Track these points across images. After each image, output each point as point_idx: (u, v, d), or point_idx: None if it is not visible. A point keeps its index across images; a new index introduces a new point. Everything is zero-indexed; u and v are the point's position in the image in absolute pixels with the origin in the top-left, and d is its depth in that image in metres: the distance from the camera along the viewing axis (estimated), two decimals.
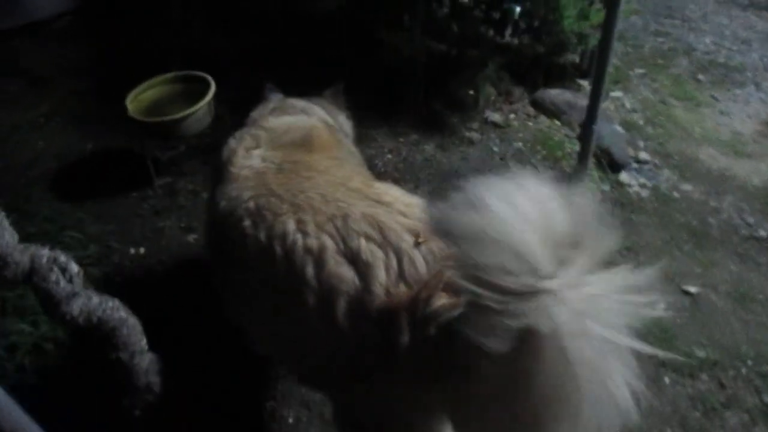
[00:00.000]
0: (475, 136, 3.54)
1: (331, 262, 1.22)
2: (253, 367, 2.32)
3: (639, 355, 0.98)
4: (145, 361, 1.32)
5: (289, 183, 1.43)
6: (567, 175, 3.21)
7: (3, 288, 2.10)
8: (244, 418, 2.12)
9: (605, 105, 3.76)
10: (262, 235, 1.32)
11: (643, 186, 3.19)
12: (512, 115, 3.72)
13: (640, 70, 4.44)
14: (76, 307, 1.17)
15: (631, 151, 3.45)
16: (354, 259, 1.22)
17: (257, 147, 1.67)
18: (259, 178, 1.49)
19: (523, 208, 0.93)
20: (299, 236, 1.27)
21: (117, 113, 3.08)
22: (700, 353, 2.33)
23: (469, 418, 1.14)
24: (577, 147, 3.36)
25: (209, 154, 3.46)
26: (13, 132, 3.74)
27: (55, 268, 1.17)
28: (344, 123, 2.35)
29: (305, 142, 1.70)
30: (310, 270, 1.23)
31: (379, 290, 1.17)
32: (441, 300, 1.10)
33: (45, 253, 1.17)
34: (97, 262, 2.80)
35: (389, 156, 3.39)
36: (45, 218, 2.86)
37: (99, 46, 4.44)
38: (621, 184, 3.18)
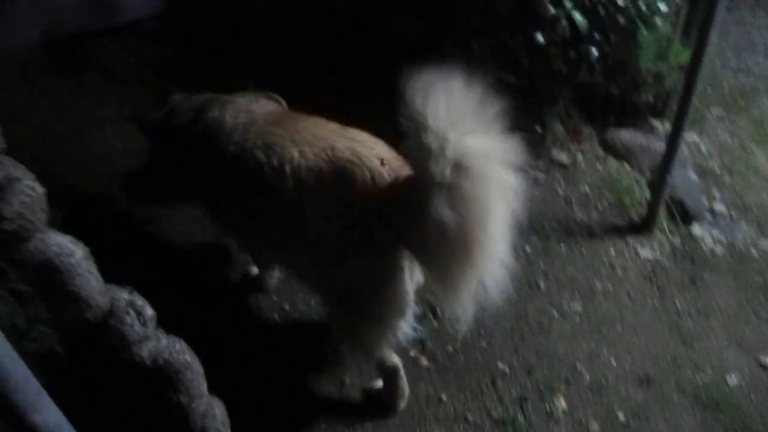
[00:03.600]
0: (539, 175, 3.46)
1: (326, 177, 1.76)
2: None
3: None
4: (202, 405, 1.33)
5: (283, 126, 1.93)
6: (635, 225, 3.09)
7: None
8: None
9: None
10: (275, 161, 1.83)
11: (717, 241, 3.04)
12: (580, 156, 3.62)
13: (718, 111, 4.21)
14: (146, 350, 1.20)
15: (705, 202, 3.29)
16: (341, 174, 1.75)
17: (240, 113, 2.07)
18: (257, 125, 1.96)
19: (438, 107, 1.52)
20: (303, 161, 1.80)
21: None
22: None
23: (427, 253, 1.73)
24: (647, 194, 3.25)
25: None
26: (93, 126, 3.85)
27: (132, 311, 1.20)
28: None
29: (279, 108, 2.21)
30: (311, 182, 1.78)
31: (357, 191, 1.73)
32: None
33: (124, 296, 1.21)
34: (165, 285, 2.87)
35: None
36: (113, 225, 2.93)
37: (181, 50, 4.57)
38: (693, 238, 3.04)
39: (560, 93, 3.89)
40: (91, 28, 4.09)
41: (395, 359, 2.08)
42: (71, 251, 1.06)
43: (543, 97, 3.86)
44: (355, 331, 1.99)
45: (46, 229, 1.02)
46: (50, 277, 1.04)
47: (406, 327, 1.92)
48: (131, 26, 4.57)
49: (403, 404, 2.17)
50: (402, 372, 2.11)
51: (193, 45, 4.59)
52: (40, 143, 3.64)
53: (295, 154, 1.81)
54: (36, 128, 3.79)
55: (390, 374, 2.09)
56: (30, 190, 0.96)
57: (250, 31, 4.27)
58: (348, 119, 2.42)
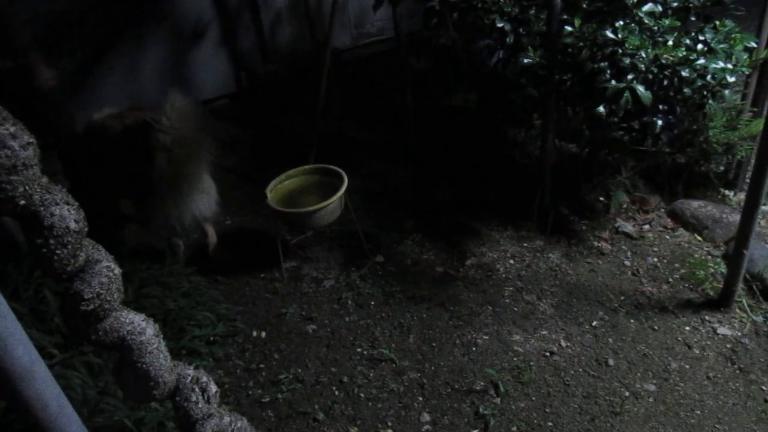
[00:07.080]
0: (604, 246, 3.37)
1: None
2: None
3: None
4: None
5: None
6: (711, 301, 2.92)
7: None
8: None
9: None
10: None
11: None
12: (646, 226, 3.50)
13: None
14: (209, 428, 1.21)
15: None
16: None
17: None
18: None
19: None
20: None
21: (254, 193, 3.29)
22: None
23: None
24: (722, 268, 3.09)
25: (334, 241, 3.60)
26: None
27: (197, 389, 1.22)
28: None
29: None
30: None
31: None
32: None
33: (190, 373, 1.24)
34: (223, 341, 2.94)
35: (511, 261, 3.30)
36: (183, 293, 3.05)
37: (247, 127, 4.86)
38: None
39: (624, 163, 3.84)
40: None
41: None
42: (143, 329, 1.10)
43: (605, 167, 3.81)
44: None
45: (120, 307, 1.07)
46: (123, 356, 1.08)
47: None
48: (204, 104, 4.91)
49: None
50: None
51: (256, 123, 4.88)
52: None
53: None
54: None
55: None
56: (108, 271, 1.02)
57: (307, 109, 4.48)
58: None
